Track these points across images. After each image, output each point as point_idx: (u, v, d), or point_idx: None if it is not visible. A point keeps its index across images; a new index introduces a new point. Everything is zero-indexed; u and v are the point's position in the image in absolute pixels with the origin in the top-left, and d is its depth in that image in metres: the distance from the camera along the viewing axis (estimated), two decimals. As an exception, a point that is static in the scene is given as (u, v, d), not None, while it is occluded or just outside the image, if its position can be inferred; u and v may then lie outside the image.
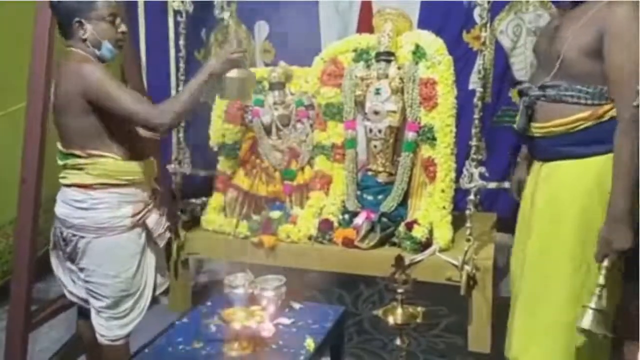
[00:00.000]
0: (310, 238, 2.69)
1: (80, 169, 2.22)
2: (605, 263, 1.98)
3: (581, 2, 2.05)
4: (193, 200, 3.03)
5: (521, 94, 2.21)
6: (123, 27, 2.26)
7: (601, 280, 1.97)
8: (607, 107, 2.00)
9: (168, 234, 2.43)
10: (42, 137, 2.57)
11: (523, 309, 2.18)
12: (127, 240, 2.26)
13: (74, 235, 2.24)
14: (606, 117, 2.00)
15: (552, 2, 3.07)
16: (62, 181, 2.27)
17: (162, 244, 2.38)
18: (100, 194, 2.21)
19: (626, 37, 1.91)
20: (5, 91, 3.09)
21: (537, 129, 2.14)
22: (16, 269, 2.66)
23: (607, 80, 1.97)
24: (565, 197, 2.09)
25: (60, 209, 2.27)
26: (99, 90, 2.11)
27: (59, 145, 2.27)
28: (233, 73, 2.33)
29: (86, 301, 2.36)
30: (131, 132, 2.28)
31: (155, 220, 2.33)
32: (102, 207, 2.21)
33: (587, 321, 1.95)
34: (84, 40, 2.19)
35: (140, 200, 2.30)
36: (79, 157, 2.21)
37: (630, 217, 1.95)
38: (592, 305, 1.95)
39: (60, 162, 2.27)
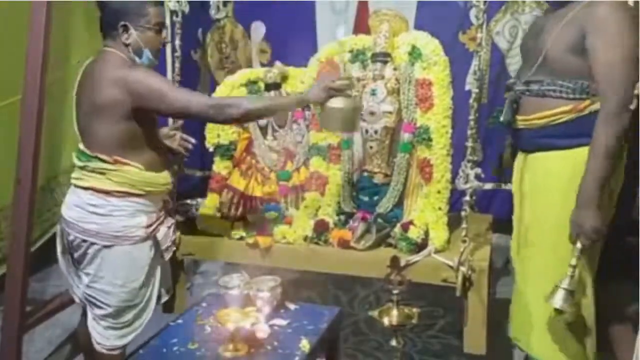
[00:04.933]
0: (305, 239, 2.68)
1: (102, 173, 2.15)
2: (578, 245, 2.07)
3: (566, 2, 2.15)
4: (188, 201, 3.01)
5: (508, 88, 2.34)
6: (166, 37, 2.24)
7: (573, 261, 2.07)
8: (588, 101, 2.10)
9: (174, 248, 2.42)
10: (37, 137, 2.54)
11: (515, 292, 2.37)
12: (140, 251, 2.22)
13: (84, 241, 2.17)
14: (586, 112, 2.10)
15: (548, 2, 3.08)
16: (77, 183, 2.20)
17: (167, 257, 2.35)
18: (118, 202, 2.16)
19: (608, 33, 2.01)
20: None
21: (521, 121, 2.26)
22: (11, 270, 2.64)
23: (592, 74, 2.06)
24: (546, 187, 2.20)
25: (70, 212, 2.20)
26: (153, 95, 2.09)
27: (82, 146, 2.21)
28: (336, 103, 2.17)
29: None
30: (158, 143, 2.27)
31: (164, 232, 2.30)
32: (118, 215, 2.16)
33: (557, 300, 2.07)
34: (126, 45, 2.15)
35: (153, 210, 2.26)
36: (104, 161, 2.15)
37: (597, 202, 2.05)
38: (564, 285, 2.06)
39: (79, 163, 2.20)
